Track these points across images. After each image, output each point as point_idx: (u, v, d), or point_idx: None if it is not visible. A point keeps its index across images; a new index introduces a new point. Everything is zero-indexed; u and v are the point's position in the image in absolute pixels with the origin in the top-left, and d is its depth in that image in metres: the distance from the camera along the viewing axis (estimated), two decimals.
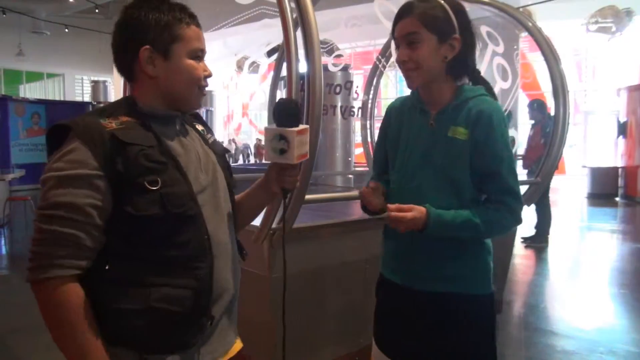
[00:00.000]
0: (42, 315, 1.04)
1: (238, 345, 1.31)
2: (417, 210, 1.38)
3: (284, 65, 2.24)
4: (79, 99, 18.64)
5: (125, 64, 1.17)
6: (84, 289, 1.05)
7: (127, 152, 1.06)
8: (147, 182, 1.06)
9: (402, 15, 1.45)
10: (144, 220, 1.06)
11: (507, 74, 3.92)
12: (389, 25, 3.29)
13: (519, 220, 1.46)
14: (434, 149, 1.45)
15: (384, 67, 4.64)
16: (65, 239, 1.02)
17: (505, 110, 3.53)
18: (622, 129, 10.92)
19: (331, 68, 4.73)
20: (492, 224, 1.42)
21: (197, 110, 1.34)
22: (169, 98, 1.18)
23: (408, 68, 1.44)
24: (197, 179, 1.17)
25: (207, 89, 1.25)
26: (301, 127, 1.26)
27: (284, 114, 1.26)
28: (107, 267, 1.08)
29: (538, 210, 6.30)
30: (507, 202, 1.42)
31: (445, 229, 1.40)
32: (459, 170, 1.43)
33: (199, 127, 1.32)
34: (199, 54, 1.19)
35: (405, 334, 1.51)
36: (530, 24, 3.77)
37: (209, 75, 1.21)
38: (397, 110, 1.59)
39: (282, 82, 4.77)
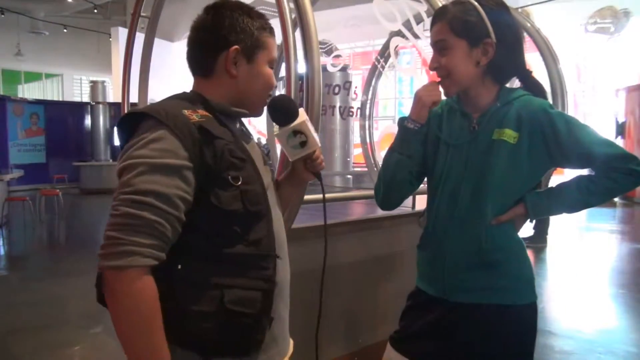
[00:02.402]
0: (109, 304, 0.97)
1: (291, 345, 1.33)
2: (513, 213, 1.40)
3: (283, 65, 2.24)
4: (77, 99, 18.63)
5: (205, 60, 1.18)
6: None
7: (214, 145, 1.05)
8: (230, 177, 1.06)
9: (434, 21, 1.42)
10: (226, 215, 1.06)
11: None
12: (387, 25, 3.31)
13: (637, 172, 1.33)
14: (476, 152, 1.39)
15: (383, 67, 4.64)
16: (152, 227, 0.97)
17: None
18: (621, 130, 10.94)
19: (330, 68, 4.74)
20: (610, 190, 1.36)
21: None
22: (241, 100, 1.20)
23: (440, 75, 1.40)
24: (265, 176, 1.19)
25: None
26: (301, 112, 1.27)
27: (284, 112, 1.27)
28: (179, 267, 1.04)
29: None
30: (617, 167, 1.33)
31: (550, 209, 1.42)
32: (502, 174, 1.36)
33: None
34: (274, 65, 1.24)
35: (439, 347, 1.44)
36: (529, 25, 3.78)
37: (275, 86, 1.26)
38: (434, 113, 1.51)
39: (281, 82, 4.77)
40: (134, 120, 1.06)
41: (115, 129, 1.13)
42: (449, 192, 1.42)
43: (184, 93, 1.20)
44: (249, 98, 1.21)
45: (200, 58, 1.20)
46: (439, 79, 1.42)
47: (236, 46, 1.15)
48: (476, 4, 1.37)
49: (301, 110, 1.28)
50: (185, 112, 1.07)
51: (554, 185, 1.44)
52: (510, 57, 1.40)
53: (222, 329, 1.05)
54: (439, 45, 1.39)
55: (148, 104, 2.61)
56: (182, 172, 1.01)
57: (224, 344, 1.07)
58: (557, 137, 1.33)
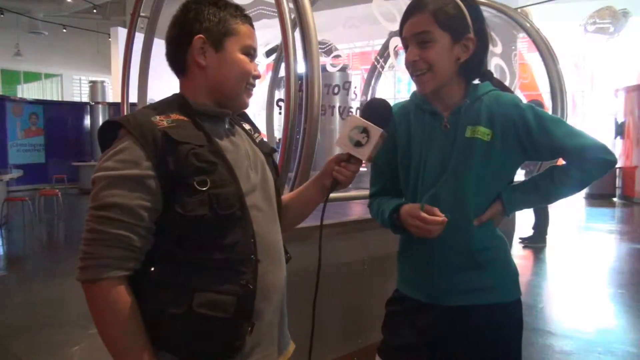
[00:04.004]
0: (91, 313, 1.03)
1: (292, 348, 1.31)
2: (491, 212, 1.38)
3: (283, 65, 2.25)
4: (77, 99, 18.61)
5: (178, 56, 1.17)
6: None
7: (178, 151, 1.04)
8: (196, 183, 1.04)
9: (412, 11, 1.34)
10: (193, 221, 1.04)
11: (505, 75, 3.93)
12: (387, 25, 3.31)
13: (608, 161, 1.33)
14: (451, 152, 1.35)
15: (382, 67, 4.64)
16: (118, 240, 1.01)
17: None
18: (620, 130, 10.95)
19: (329, 68, 4.74)
20: (582, 181, 1.37)
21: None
22: (218, 92, 1.17)
23: (419, 69, 1.33)
24: (248, 178, 1.16)
25: None
26: (383, 132, 1.24)
27: (377, 113, 1.25)
28: (152, 269, 1.06)
29: (536, 211, 6.31)
30: (588, 158, 1.32)
31: (526, 204, 1.42)
32: (479, 172, 1.34)
33: (246, 126, 1.30)
34: (251, 52, 1.19)
35: (423, 353, 1.42)
36: (528, 25, 3.79)
37: (258, 76, 1.21)
38: (400, 116, 1.46)
39: (281, 82, 4.78)
40: (112, 129, 1.09)
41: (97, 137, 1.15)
42: (429, 196, 1.36)
43: (172, 95, 1.19)
44: (225, 88, 1.17)
45: (173, 55, 1.19)
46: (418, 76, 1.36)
47: (200, 35, 1.13)
48: None
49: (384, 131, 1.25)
50: (156, 118, 1.08)
51: (527, 178, 1.44)
52: (484, 55, 1.39)
53: (194, 332, 1.04)
54: (419, 38, 1.31)
55: (147, 103, 2.61)
56: (144, 182, 1.03)
57: (198, 347, 1.06)
58: (528, 131, 1.33)
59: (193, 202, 1.04)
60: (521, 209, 1.45)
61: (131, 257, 1.03)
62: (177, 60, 1.18)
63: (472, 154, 1.33)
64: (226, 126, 1.20)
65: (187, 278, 1.06)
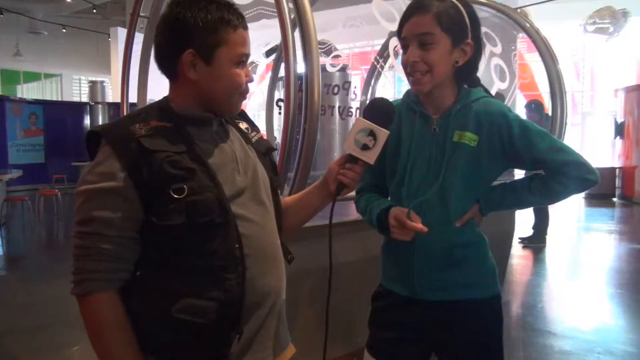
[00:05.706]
0: (84, 325, 1.06)
1: (290, 351, 1.30)
2: (471, 213, 1.41)
3: (282, 65, 2.25)
4: (76, 99, 18.59)
5: (167, 63, 1.13)
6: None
7: (152, 160, 1.03)
8: (172, 191, 1.02)
9: (415, 12, 1.33)
10: (170, 229, 1.03)
11: (504, 75, 3.93)
12: (387, 25, 3.31)
13: (587, 180, 1.34)
14: (438, 155, 1.37)
15: (382, 67, 4.64)
16: (102, 253, 1.02)
17: None
18: (620, 130, 10.94)
19: (329, 68, 4.74)
20: (558, 194, 1.39)
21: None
22: (208, 102, 1.14)
23: (417, 70, 1.33)
24: (234, 181, 1.12)
25: None
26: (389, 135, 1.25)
27: (381, 113, 1.26)
28: (137, 273, 1.08)
29: (536, 211, 6.31)
30: (568, 173, 1.34)
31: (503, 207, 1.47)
32: (464, 176, 1.36)
33: (243, 125, 1.27)
34: (242, 59, 1.14)
35: (411, 346, 1.46)
36: (527, 25, 3.78)
37: (250, 81, 1.17)
38: None
39: (280, 82, 4.78)
40: (96, 136, 1.08)
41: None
42: (414, 195, 1.39)
43: (159, 99, 1.17)
44: (216, 100, 1.13)
45: (162, 62, 1.15)
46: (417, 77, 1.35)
47: (190, 49, 1.08)
48: (457, 3, 1.34)
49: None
50: (135, 126, 1.06)
51: (507, 182, 1.47)
52: (478, 61, 1.41)
53: (176, 338, 1.05)
54: (421, 39, 1.32)
55: (147, 104, 2.61)
56: (122, 193, 1.03)
57: (182, 353, 1.06)
58: (511, 141, 1.35)
59: (169, 211, 1.02)
60: (496, 210, 1.47)
61: (118, 268, 1.04)
62: (166, 68, 1.14)
63: (458, 158, 1.36)
64: (214, 128, 1.17)
65: (169, 283, 1.05)
